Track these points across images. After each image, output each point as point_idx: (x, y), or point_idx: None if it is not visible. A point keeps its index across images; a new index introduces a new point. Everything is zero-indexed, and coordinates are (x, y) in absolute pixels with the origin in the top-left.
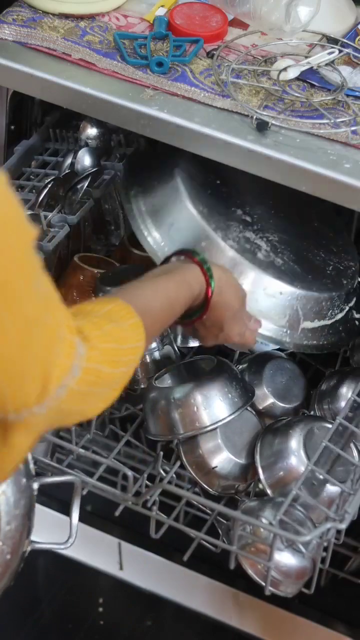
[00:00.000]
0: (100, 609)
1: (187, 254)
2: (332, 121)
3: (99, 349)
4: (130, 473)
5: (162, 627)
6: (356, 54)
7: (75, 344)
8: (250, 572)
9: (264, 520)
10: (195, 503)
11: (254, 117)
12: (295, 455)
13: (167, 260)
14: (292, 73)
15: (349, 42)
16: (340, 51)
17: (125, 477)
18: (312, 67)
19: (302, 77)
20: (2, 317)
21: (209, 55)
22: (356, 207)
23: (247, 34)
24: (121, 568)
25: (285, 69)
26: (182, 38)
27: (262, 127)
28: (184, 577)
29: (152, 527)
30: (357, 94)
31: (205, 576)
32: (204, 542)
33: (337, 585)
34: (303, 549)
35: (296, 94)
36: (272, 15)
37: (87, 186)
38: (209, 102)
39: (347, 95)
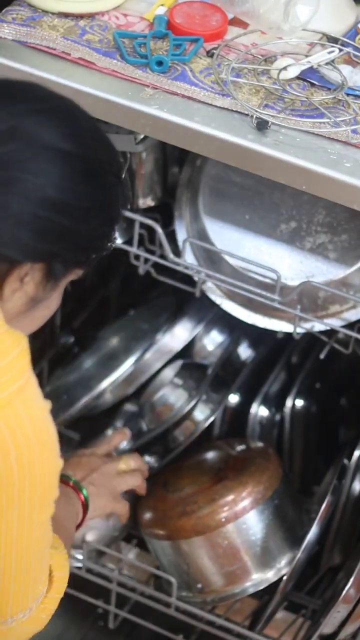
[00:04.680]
0: None
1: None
2: (332, 120)
3: (56, 590)
4: None
5: None
6: (356, 53)
7: (45, 586)
8: None
9: None
10: None
11: (254, 116)
12: None
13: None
14: (292, 72)
15: (349, 41)
16: (340, 50)
17: None
18: (312, 66)
19: (302, 76)
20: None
21: (209, 54)
22: (356, 207)
23: (247, 33)
24: None
25: (285, 68)
26: (182, 37)
27: (262, 126)
28: None
29: None
30: (357, 93)
31: None
32: None
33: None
34: None
35: (296, 93)
36: (272, 14)
37: None
38: (209, 101)
39: (347, 95)
